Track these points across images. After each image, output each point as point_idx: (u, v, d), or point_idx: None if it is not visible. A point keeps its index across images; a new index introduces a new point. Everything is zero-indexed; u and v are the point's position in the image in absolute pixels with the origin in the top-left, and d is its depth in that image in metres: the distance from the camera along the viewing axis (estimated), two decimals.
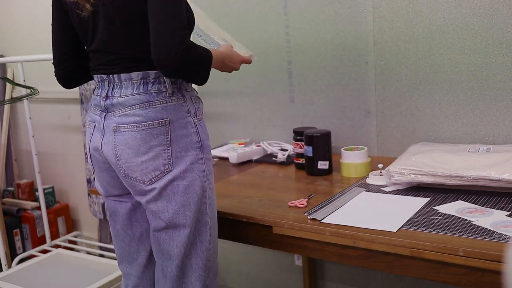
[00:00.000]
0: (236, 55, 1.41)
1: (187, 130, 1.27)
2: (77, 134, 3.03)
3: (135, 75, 1.25)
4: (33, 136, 2.67)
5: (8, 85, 3.23)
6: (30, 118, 2.66)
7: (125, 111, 1.25)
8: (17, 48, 3.18)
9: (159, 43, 1.16)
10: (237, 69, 1.43)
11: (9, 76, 3.22)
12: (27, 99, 2.60)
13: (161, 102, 1.25)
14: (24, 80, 2.65)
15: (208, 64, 1.26)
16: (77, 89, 2.88)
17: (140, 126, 1.24)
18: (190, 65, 1.19)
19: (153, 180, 1.26)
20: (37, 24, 3.02)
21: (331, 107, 2.05)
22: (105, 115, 1.29)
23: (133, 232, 1.42)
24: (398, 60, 1.86)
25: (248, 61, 1.47)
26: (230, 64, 1.39)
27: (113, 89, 1.28)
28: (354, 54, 1.96)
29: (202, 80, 1.27)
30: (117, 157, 1.27)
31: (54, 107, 3.10)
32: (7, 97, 3.22)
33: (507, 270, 0.86)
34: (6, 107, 3.26)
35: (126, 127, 1.25)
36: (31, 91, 2.53)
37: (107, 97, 1.29)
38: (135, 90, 1.25)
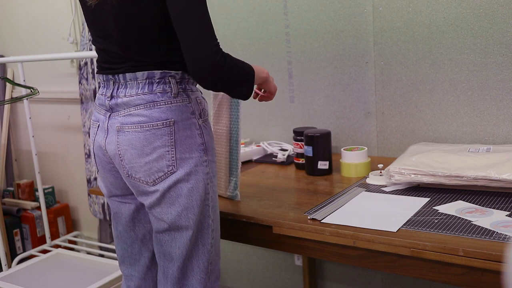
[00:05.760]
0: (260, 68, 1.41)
1: (191, 132, 1.26)
2: (77, 134, 3.03)
3: (140, 74, 1.24)
4: (33, 136, 2.67)
5: (8, 85, 3.23)
6: (30, 118, 2.66)
7: (130, 111, 1.24)
8: (17, 48, 3.18)
9: (194, 55, 1.17)
10: (268, 80, 1.43)
11: (9, 76, 3.22)
12: (27, 99, 2.60)
13: (166, 103, 1.24)
14: (24, 80, 2.64)
15: (251, 75, 1.29)
16: (77, 89, 2.88)
17: (144, 126, 1.23)
18: (230, 76, 1.22)
19: (156, 181, 1.25)
20: (37, 24, 3.02)
21: (331, 107, 2.05)
22: (110, 114, 1.28)
23: (135, 234, 1.41)
24: (398, 60, 1.87)
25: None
26: (261, 75, 1.39)
27: (118, 89, 1.27)
28: (354, 54, 1.96)
29: (246, 94, 1.30)
30: (120, 157, 1.26)
31: (54, 107, 3.10)
32: (7, 97, 3.22)
33: (507, 270, 0.86)
34: (6, 107, 3.26)
35: (130, 127, 1.24)
36: (31, 91, 2.53)
37: (112, 96, 1.28)
38: (140, 90, 1.24)
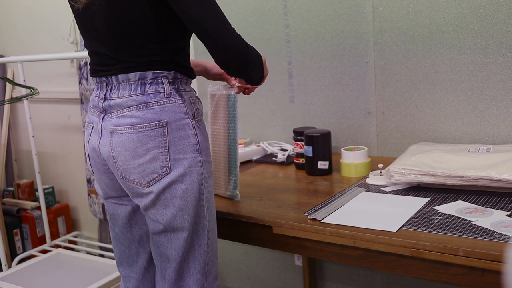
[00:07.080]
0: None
1: (185, 132, 1.25)
2: (77, 134, 3.04)
3: (132, 75, 1.23)
4: (33, 136, 2.67)
5: (8, 85, 3.23)
6: (30, 118, 2.66)
7: (123, 113, 1.24)
8: (17, 48, 3.18)
9: (220, 43, 1.20)
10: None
11: (9, 76, 3.22)
12: (27, 99, 2.60)
13: (159, 103, 1.23)
14: (24, 80, 2.64)
15: (261, 58, 1.32)
16: (77, 89, 2.88)
17: (137, 127, 1.22)
18: (252, 60, 1.26)
19: (150, 182, 1.24)
20: (37, 24, 3.02)
21: (331, 107, 2.05)
22: (103, 116, 1.28)
23: (132, 235, 1.41)
24: (398, 60, 1.86)
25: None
26: (264, 59, 1.40)
27: (111, 90, 1.26)
28: (354, 54, 1.96)
29: (262, 78, 1.34)
30: (114, 159, 1.25)
31: (54, 107, 3.10)
32: (7, 97, 3.22)
33: (507, 270, 0.86)
34: (6, 107, 3.26)
35: (123, 128, 1.23)
36: (31, 91, 2.53)
37: (105, 98, 1.27)
38: (132, 91, 1.24)
